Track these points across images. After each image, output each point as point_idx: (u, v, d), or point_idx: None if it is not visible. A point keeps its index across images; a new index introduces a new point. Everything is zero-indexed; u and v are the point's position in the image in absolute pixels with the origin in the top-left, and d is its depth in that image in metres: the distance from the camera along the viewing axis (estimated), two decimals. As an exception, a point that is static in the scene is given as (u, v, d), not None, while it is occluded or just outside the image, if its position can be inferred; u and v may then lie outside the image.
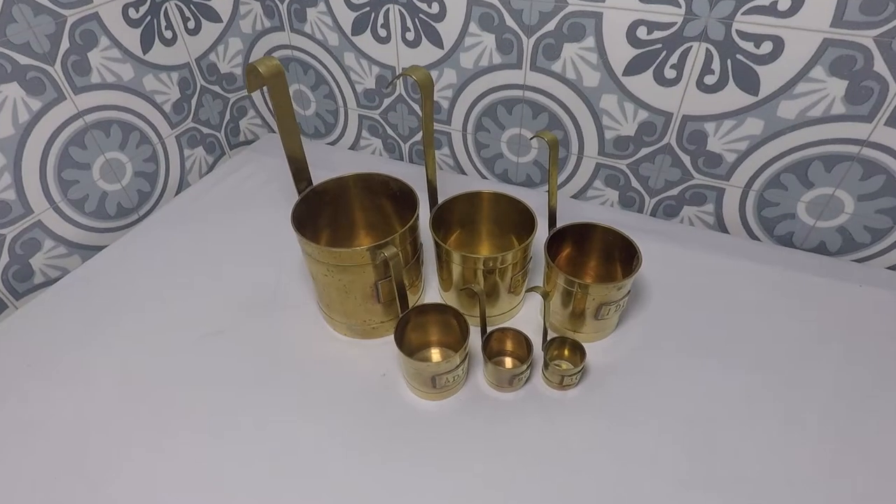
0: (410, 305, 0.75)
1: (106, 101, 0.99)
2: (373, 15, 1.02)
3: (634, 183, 1.03)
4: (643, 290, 0.88)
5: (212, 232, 1.04)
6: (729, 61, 0.82)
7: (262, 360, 0.80)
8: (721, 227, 1.01)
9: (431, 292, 0.89)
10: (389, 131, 1.20)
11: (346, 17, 1.05)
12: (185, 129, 1.17)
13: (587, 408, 0.72)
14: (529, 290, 0.70)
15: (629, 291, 0.75)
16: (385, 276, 0.73)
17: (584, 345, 0.73)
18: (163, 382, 0.77)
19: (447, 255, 0.76)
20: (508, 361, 0.77)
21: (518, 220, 0.83)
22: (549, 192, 0.77)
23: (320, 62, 1.15)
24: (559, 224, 0.81)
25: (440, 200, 0.82)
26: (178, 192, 1.18)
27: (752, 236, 1.00)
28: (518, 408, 0.72)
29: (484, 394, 0.74)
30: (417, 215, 0.75)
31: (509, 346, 0.77)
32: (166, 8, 1.05)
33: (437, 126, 1.13)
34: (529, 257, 0.79)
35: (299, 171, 0.77)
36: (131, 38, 1.00)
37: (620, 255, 0.79)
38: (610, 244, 0.80)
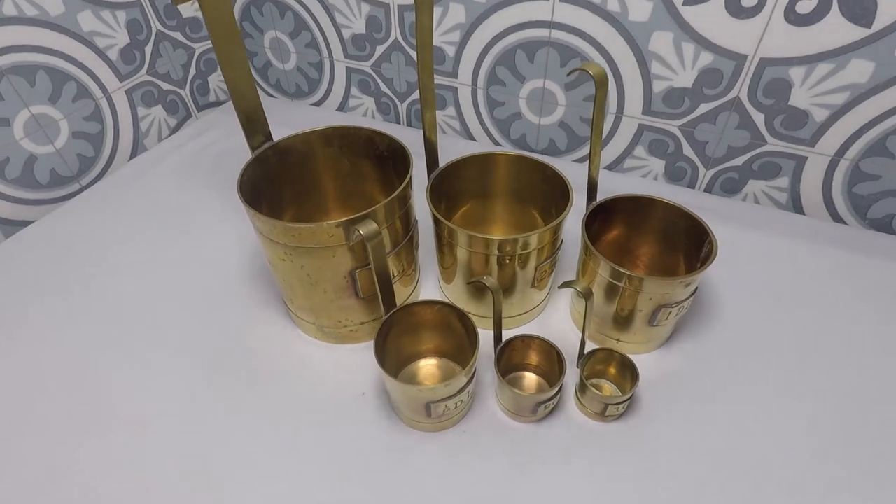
0: (399, 303, 0.55)
1: (26, 41, 0.79)
2: (361, -66, 0.81)
3: (687, 150, 0.82)
4: (704, 290, 0.68)
5: (163, 206, 0.85)
6: (835, -21, 0.60)
7: (197, 371, 0.61)
8: (796, 206, 0.81)
9: (429, 286, 0.70)
10: (383, 87, 1.00)
11: (329, -60, 0.84)
12: (138, 83, 0.97)
13: (636, 446, 0.52)
14: (564, 285, 0.50)
15: (696, 290, 0.55)
16: (365, 264, 0.53)
17: (627, 354, 0.53)
18: (77, 390, 0.58)
19: (450, 236, 0.56)
20: (531, 381, 0.58)
21: (544, 192, 0.63)
22: (591, 153, 0.57)
23: (299, 2, 0.94)
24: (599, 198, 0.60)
25: (442, 165, 0.62)
26: (131, 159, 0.99)
27: (837, 218, 0.79)
28: (542, 444, 0.53)
29: (496, 423, 0.55)
30: (410, 179, 0.55)
31: (533, 358, 0.57)
32: (107, -74, 0.85)
33: (440, 80, 0.93)
34: (560, 241, 0.59)
35: (251, 119, 0.57)
36: (58, -39, 0.80)
37: (683, 242, 0.59)
38: (670, 226, 0.60)
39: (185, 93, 1.07)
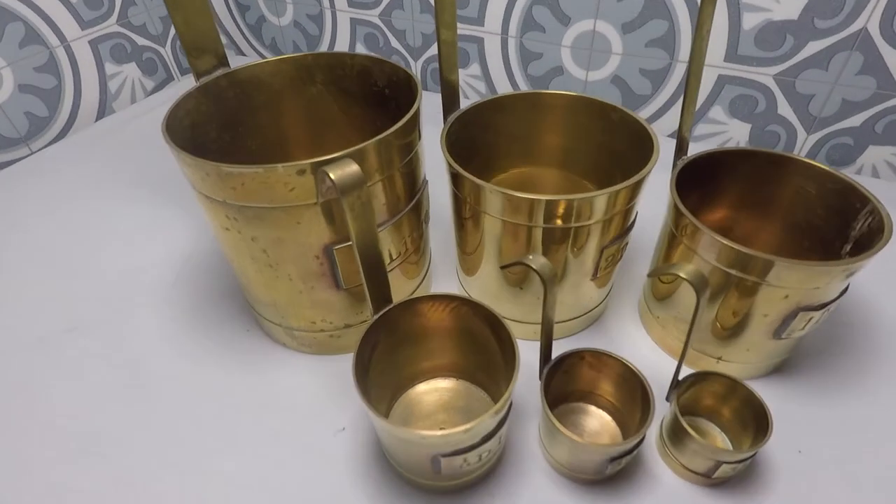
0: (397, 300, 0.37)
1: (-46, -36, 0.64)
2: None
3: (783, 107, 0.63)
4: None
5: (118, 178, 0.69)
6: None
7: (124, 388, 0.44)
8: (933, 182, 0.61)
9: (443, 280, 0.52)
10: (394, 42, 0.82)
11: None
12: (105, 34, 0.81)
13: (760, 526, 0.34)
14: (655, 272, 0.32)
15: (847, 288, 0.36)
16: (346, 237, 0.36)
17: (750, 384, 0.35)
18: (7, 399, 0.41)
19: (475, 199, 0.38)
20: (595, 420, 0.39)
21: (609, 151, 0.44)
22: (685, 98, 0.39)
23: (295, -66, 0.78)
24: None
25: (465, 107, 0.44)
26: (97, 122, 0.83)
27: None
28: (611, 517, 0.34)
29: (540, 484, 0.36)
30: (417, 113, 0.37)
31: (599, 386, 0.39)
32: None
33: (462, 28, 0.75)
34: (635, 214, 0.40)
35: (195, 28, 0.39)
36: None
37: (822, 219, 0.40)
38: (801, 197, 0.41)
39: (166, 51, 0.92)
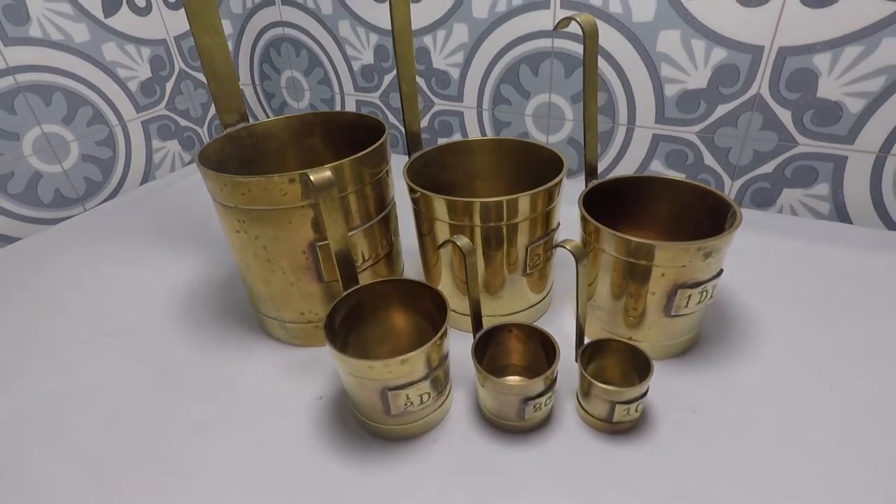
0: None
1: (48, 62, 0.82)
2: (368, -35, 0.84)
3: (708, 159, 0.75)
4: (731, 305, 0.57)
5: (155, 229, 0.82)
6: (851, -49, 0.56)
7: (152, 376, 0.53)
8: (841, 215, 0.71)
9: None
10: (391, 118, 0.99)
11: (340, -25, 0.88)
12: (155, 116, 1.00)
13: (652, 465, 0.40)
14: (554, 246, 0.42)
15: (720, 273, 0.45)
16: (326, 237, 0.47)
17: (635, 343, 0.43)
18: (39, 398, 0.51)
19: (426, 208, 0.49)
20: (517, 381, 0.47)
21: (540, 178, 0.56)
22: (585, 124, 0.51)
23: (313, 38, 0.98)
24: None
25: (425, 149, 0.57)
26: (140, 186, 0.99)
27: (892, 225, 0.68)
28: (531, 460, 0.41)
29: (474, 430, 0.44)
30: (383, 143, 0.50)
31: (517, 355, 0.47)
32: (139, -28, 0.92)
33: (445, 105, 0.91)
34: (557, 222, 0.51)
35: (224, 91, 0.54)
36: (89, -4, 0.85)
37: (702, 225, 0.50)
38: (685, 209, 0.52)
39: (203, 131, 1.10)
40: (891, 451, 0.41)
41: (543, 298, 0.56)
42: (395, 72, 0.93)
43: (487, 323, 0.46)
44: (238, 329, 0.58)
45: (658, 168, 0.79)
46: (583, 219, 0.48)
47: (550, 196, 0.48)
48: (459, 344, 0.53)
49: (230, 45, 1.08)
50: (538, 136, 0.85)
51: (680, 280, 0.44)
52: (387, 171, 0.52)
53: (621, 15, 0.70)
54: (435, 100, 0.92)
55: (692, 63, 0.69)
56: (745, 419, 0.44)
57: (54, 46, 0.83)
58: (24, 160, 0.82)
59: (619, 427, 0.42)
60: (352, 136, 0.60)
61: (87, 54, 0.87)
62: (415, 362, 0.39)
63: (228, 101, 0.55)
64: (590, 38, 0.46)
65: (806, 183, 0.70)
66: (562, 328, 0.55)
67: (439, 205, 0.47)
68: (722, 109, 0.70)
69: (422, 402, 0.41)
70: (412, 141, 0.56)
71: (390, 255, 0.55)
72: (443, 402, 0.45)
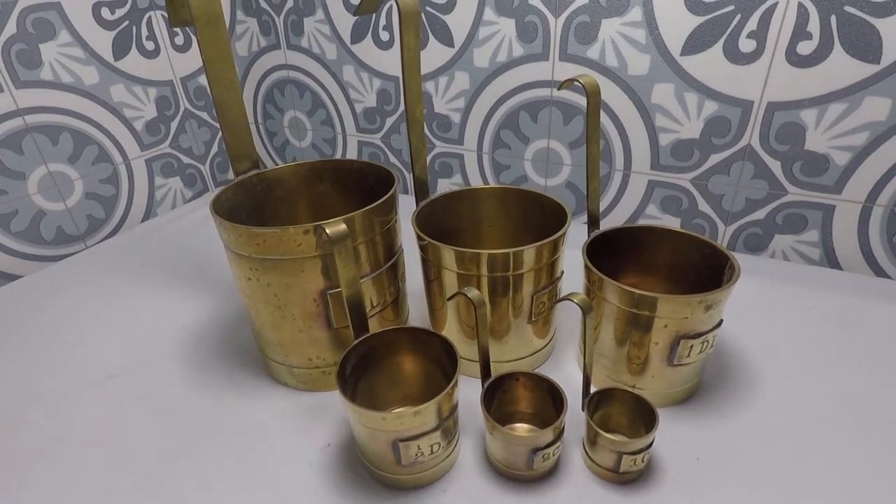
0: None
1: (57, 104, 0.84)
2: (374, 16, 0.88)
3: (702, 205, 0.77)
4: (730, 351, 0.59)
5: (154, 270, 0.83)
6: (833, 17, 0.60)
7: (153, 422, 0.53)
8: (831, 261, 0.73)
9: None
10: (392, 159, 1.01)
11: (345, 24, 0.91)
12: (159, 154, 1.01)
13: (665, 517, 0.41)
14: (562, 299, 0.43)
15: (721, 324, 0.47)
16: (337, 284, 0.48)
17: (641, 393, 0.44)
18: (42, 442, 0.51)
19: (434, 256, 0.51)
20: (525, 429, 0.48)
21: (543, 226, 0.58)
22: (587, 175, 0.53)
23: (317, 81, 1.01)
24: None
25: (432, 196, 0.59)
26: (142, 223, 1.00)
27: (880, 272, 0.71)
28: (542, 511, 0.42)
29: (483, 481, 0.44)
30: (393, 194, 0.51)
31: (525, 402, 0.48)
32: (150, 17, 0.95)
33: (446, 147, 0.94)
34: (561, 271, 0.53)
35: (238, 141, 0.56)
36: (101, 41, 0.88)
37: (700, 274, 0.52)
38: (684, 259, 0.53)
39: (205, 168, 1.12)
40: (891, 495, 0.41)
41: (548, 344, 0.57)
42: (397, 114, 0.96)
43: (493, 368, 0.47)
44: (245, 372, 0.58)
45: (654, 212, 0.81)
46: (587, 269, 0.49)
47: (555, 247, 0.49)
48: (465, 389, 0.53)
49: (235, 85, 1.11)
50: (537, 180, 0.88)
51: (682, 331, 0.45)
52: (396, 220, 0.54)
53: (617, 68, 0.73)
54: (436, 142, 0.94)
55: (685, 114, 0.72)
56: (746, 466, 0.44)
57: (64, 88, 0.84)
58: (28, 199, 0.83)
59: (626, 477, 0.43)
60: (360, 182, 0.61)
61: (96, 95, 0.89)
62: (427, 413, 0.39)
63: (241, 150, 0.56)
64: (592, 97, 0.49)
65: (796, 230, 0.73)
66: (566, 373, 0.56)
67: (447, 254, 0.49)
68: (715, 158, 0.73)
69: (432, 451, 0.42)
70: (419, 189, 0.58)
71: (397, 301, 0.56)
72: (451, 451, 0.45)
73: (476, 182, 0.94)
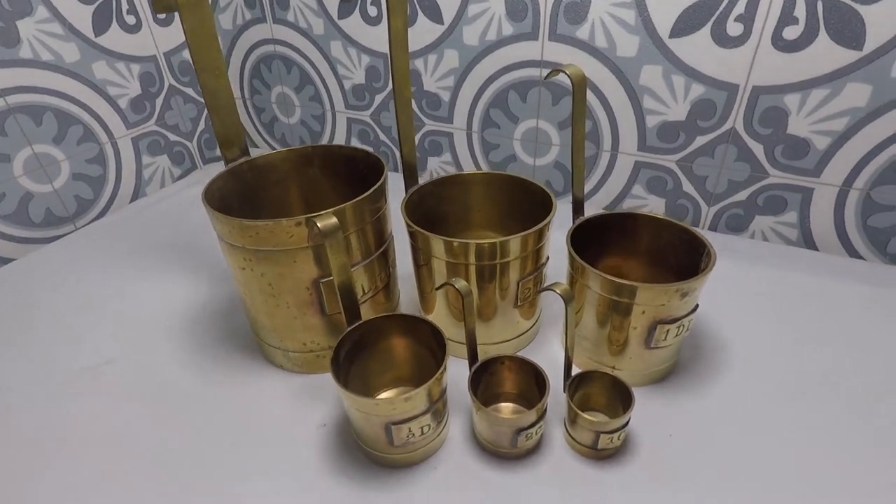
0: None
1: (39, 83, 0.82)
2: (361, -10, 0.86)
3: (687, 186, 0.79)
4: (706, 331, 0.61)
5: (145, 250, 0.83)
6: (819, 3, 0.60)
7: (143, 405, 0.55)
8: (808, 242, 0.75)
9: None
10: (382, 136, 1.01)
11: (332, -2, 0.90)
12: (145, 132, 1.00)
13: (635, 489, 0.44)
14: (544, 289, 0.45)
15: (696, 308, 0.49)
16: (329, 273, 0.49)
17: (619, 375, 0.46)
18: (40, 430, 0.53)
19: (423, 245, 0.52)
20: (512, 410, 0.51)
21: (529, 212, 0.59)
22: (573, 164, 0.54)
23: (305, 56, 0.99)
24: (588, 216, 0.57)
25: (421, 183, 0.60)
26: (131, 203, 1.00)
27: (853, 253, 0.73)
28: (523, 485, 0.45)
29: (471, 458, 0.47)
30: (383, 183, 0.52)
31: (514, 384, 0.51)
32: (130, -10, 0.92)
33: (436, 125, 0.94)
34: (546, 257, 0.55)
35: (227, 129, 0.56)
36: (80, 16, 0.86)
37: (681, 260, 0.54)
38: (664, 245, 0.55)
39: (192, 145, 1.11)
40: (859, 471, 0.45)
41: (533, 325, 0.59)
42: (386, 91, 0.95)
43: (480, 350, 0.49)
44: (240, 354, 0.60)
45: (639, 192, 0.83)
46: (570, 256, 0.51)
47: (540, 235, 0.51)
48: (453, 369, 0.55)
49: (220, 60, 1.09)
50: (526, 159, 0.89)
51: (659, 317, 0.47)
52: (386, 207, 0.55)
53: (606, 49, 0.73)
54: (425, 120, 0.94)
55: (672, 97, 0.73)
56: (717, 442, 0.48)
57: (45, 67, 0.83)
58: (14, 181, 0.83)
59: (603, 454, 0.46)
60: (350, 167, 0.62)
61: (78, 73, 0.87)
62: (417, 399, 0.41)
63: (231, 137, 0.57)
64: (578, 88, 0.49)
65: (776, 211, 0.75)
66: (550, 355, 0.58)
67: (436, 243, 0.50)
68: (700, 140, 0.74)
69: (423, 433, 0.44)
70: (408, 172, 0.59)
71: (388, 286, 0.58)
72: (441, 431, 0.47)
73: (466, 160, 0.95)
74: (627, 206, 0.85)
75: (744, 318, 0.62)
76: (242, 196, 0.59)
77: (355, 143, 1.05)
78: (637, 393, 0.46)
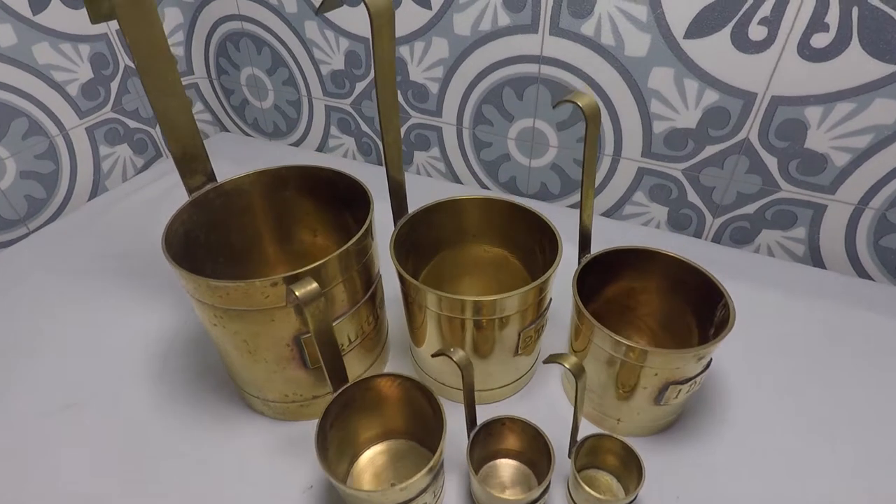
0: (363, 369, 0.46)
1: (-30, 72, 0.72)
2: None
3: (692, 196, 0.74)
4: (714, 364, 0.58)
5: (111, 257, 0.76)
6: (855, 10, 0.54)
7: (116, 438, 0.50)
8: (815, 259, 0.72)
9: (400, 349, 0.60)
10: (364, 126, 0.93)
11: (306, -27, 0.79)
12: (101, 121, 0.90)
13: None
14: (549, 360, 0.41)
15: (710, 365, 0.46)
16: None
17: (629, 441, 0.43)
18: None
19: (418, 296, 0.47)
20: (512, 470, 0.47)
21: (530, 243, 0.54)
22: (582, 198, 0.49)
23: (277, 37, 0.89)
24: (595, 251, 0.52)
25: (411, 213, 0.54)
26: (90, 200, 0.91)
27: (862, 273, 0.70)
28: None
29: (470, 529, 0.44)
30: (369, 226, 0.46)
31: (515, 444, 0.47)
32: (71, -42, 0.80)
33: (423, 118, 0.86)
34: (548, 300, 0.50)
35: (188, 155, 0.49)
36: (13, -9, 0.74)
37: (693, 302, 0.50)
38: (677, 284, 0.51)
39: (155, 131, 1.01)
40: None
41: (532, 365, 0.55)
42: (368, 79, 0.87)
43: (477, 396, 0.45)
44: (216, 396, 0.55)
45: (641, 199, 0.78)
46: (577, 308, 0.47)
47: (544, 287, 0.46)
48: (449, 417, 0.51)
49: (181, 35, 0.98)
50: (521, 159, 0.82)
51: (672, 378, 0.44)
52: (372, 244, 0.49)
53: (613, 48, 0.66)
54: (412, 112, 0.86)
55: (683, 102, 0.67)
56: (728, 498, 0.45)
57: (-24, 53, 0.73)
58: (-48, 183, 0.74)
59: (609, 525, 0.43)
60: (330, 191, 0.55)
61: (16, 59, 0.77)
62: (412, 488, 0.38)
63: (193, 164, 0.50)
64: (592, 123, 0.43)
65: (785, 226, 0.71)
66: (550, 394, 0.55)
67: (431, 297, 0.45)
68: (710, 150, 0.69)
69: (419, 510, 0.41)
70: (395, 191, 0.52)
71: (375, 328, 0.53)
72: (437, 500, 0.44)
73: (455, 157, 0.88)
74: (627, 212, 0.80)
75: (750, 353, 0.59)
76: (210, 226, 0.52)
77: (335, 132, 0.97)
78: (640, 443, 0.43)
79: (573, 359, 0.39)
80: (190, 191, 0.50)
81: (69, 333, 0.63)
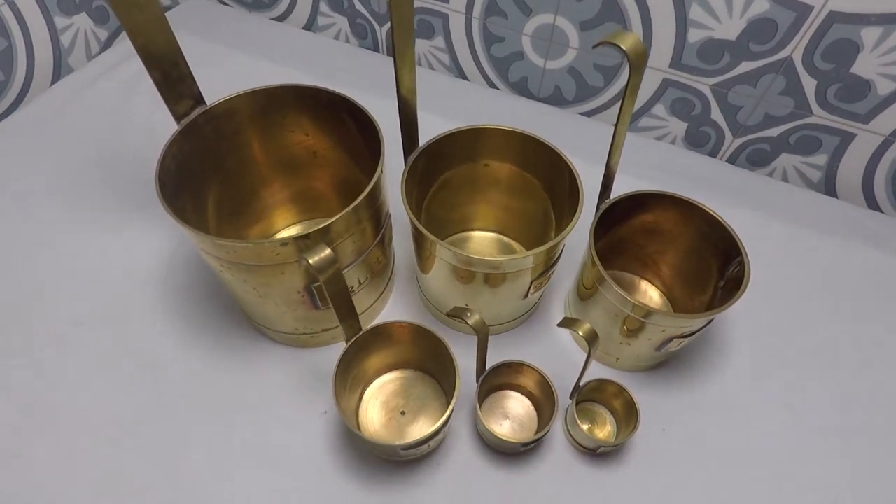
0: (371, 302, 0.46)
1: None
2: None
3: (715, 113, 0.69)
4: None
5: (86, 157, 0.70)
6: (954, -86, 0.45)
7: (126, 372, 0.52)
8: (828, 188, 0.71)
9: (404, 279, 0.60)
10: (358, 6, 0.82)
11: None
12: (51, -16, 0.77)
13: (632, 487, 0.47)
14: (563, 324, 0.41)
15: (713, 319, 0.47)
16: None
17: (626, 376, 0.46)
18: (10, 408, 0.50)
19: (430, 247, 0.45)
20: (517, 403, 0.51)
21: (548, 175, 0.52)
22: (612, 144, 0.45)
23: None
24: (615, 194, 0.50)
25: (422, 136, 0.50)
26: (53, 84, 0.82)
27: (873, 206, 0.70)
28: (524, 482, 0.47)
29: (474, 455, 0.48)
30: (378, 180, 0.43)
31: (522, 382, 0.50)
32: None
33: (426, 2, 0.76)
34: (562, 248, 0.49)
35: (170, 78, 0.43)
36: None
37: (711, 251, 0.49)
38: (696, 232, 0.50)
39: (116, -4, 0.87)
40: (859, 461, 0.49)
41: (535, 303, 0.56)
42: (364, -51, 0.74)
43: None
44: (223, 319, 0.56)
45: (660, 112, 0.73)
46: (592, 261, 0.46)
47: (555, 247, 0.45)
48: (457, 349, 0.53)
49: None
50: (535, 59, 0.75)
51: (677, 333, 0.45)
52: (382, 179, 0.46)
53: (659, -63, 0.56)
54: (414, -7, 0.75)
55: (727, 10, 0.59)
56: (710, 434, 0.50)
57: None
58: None
59: (601, 453, 0.48)
60: (331, 112, 0.50)
61: None
62: (429, 435, 0.40)
63: (178, 88, 0.44)
64: (636, 67, 0.38)
65: (807, 152, 0.68)
66: (553, 325, 0.56)
67: (446, 253, 0.44)
68: (745, 66, 0.63)
69: (429, 447, 0.44)
70: (406, 116, 0.47)
71: (385, 266, 0.52)
72: (446, 433, 0.48)
73: (462, 50, 0.79)
74: (643, 125, 0.75)
75: (751, 291, 0.60)
76: (204, 157, 0.48)
77: (325, 8, 0.85)
78: (633, 378, 0.47)
79: (587, 325, 0.40)
80: (177, 118, 0.45)
81: (62, 244, 0.61)
